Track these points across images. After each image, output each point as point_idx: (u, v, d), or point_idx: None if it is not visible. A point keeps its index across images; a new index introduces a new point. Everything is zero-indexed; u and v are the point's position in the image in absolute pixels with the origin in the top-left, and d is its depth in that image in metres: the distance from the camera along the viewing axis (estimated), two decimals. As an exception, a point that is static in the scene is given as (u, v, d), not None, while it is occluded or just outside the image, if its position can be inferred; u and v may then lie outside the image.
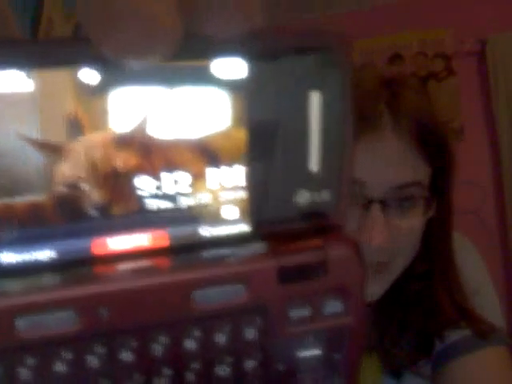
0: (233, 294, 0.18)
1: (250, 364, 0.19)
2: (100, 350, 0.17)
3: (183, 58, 0.16)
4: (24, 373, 0.16)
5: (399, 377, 0.60)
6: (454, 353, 0.58)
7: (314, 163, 0.19)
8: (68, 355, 0.16)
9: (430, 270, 0.59)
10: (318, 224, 0.19)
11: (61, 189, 0.16)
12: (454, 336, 0.58)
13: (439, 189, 0.56)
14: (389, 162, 0.52)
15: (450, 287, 0.59)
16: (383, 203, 0.51)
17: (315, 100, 0.18)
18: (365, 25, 2.36)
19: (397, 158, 0.52)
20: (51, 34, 1.36)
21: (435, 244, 0.59)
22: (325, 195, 0.19)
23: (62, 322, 0.16)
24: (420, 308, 0.59)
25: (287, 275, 0.18)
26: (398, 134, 0.52)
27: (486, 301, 0.63)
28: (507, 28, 2.09)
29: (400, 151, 0.52)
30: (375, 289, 0.55)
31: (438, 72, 2.21)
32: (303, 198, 0.19)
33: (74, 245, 0.17)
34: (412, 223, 0.53)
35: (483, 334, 0.57)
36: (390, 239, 0.51)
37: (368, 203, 0.51)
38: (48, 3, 1.37)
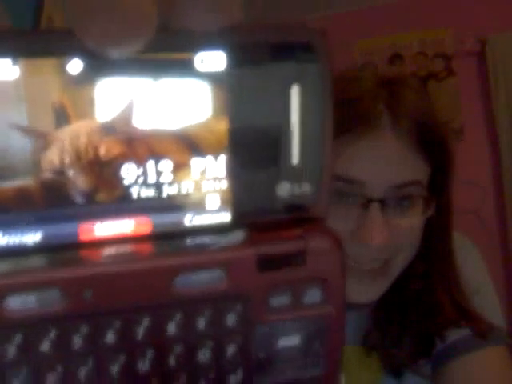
0: (213, 281, 0.18)
1: (230, 350, 0.19)
2: (84, 330, 0.17)
3: (166, 50, 0.17)
4: (12, 350, 0.17)
5: (399, 376, 0.60)
6: (454, 352, 0.58)
7: (294, 155, 0.19)
8: (53, 335, 0.17)
9: (430, 270, 0.59)
10: (299, 216, 0.20)
11: (47, 175, 0.17)
12: (454, 336, 0.58)
13: (439, 188, 0.56)
14: (388, 162, 0.52)
15: (450, 287, 0.59)
16: (382, 203, 0.51)
17: (295, 93, 0.18)
18: (365, 25, 2.36)
19: (396, 157, 0.52)
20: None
21: (435, 244, 0.59)
22: (306, 187, 0.20)
23: (47, 301, 0.17)
24: (420, 308, 0.59)
25: (267, 263, 0.19)
26: (397, 134, 0.51)
27: (486, 301, 0.63)
28: (507, 28, 2.09)
29: (399, 151, 0.52)
30: (375, 290, 0.55)
31: (437, 72, 2.21)
32: (284, 189, 0.19)
33: (60, 229, 0.18)
34: (411, 222, 0.53)
35: (482, 333, 0.57)
36: (390, 238, 0.51)
37: (367, 203, 0.51)
38: (48, 3, 1.38)
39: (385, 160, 0.52)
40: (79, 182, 0.17)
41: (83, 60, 0.16)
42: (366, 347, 0.60)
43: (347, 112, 0.51)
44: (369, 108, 0.52)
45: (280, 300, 0.19)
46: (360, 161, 0.51)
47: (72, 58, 0.16)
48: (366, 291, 0.54)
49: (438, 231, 0.59)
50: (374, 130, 0.51)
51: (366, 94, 0.53)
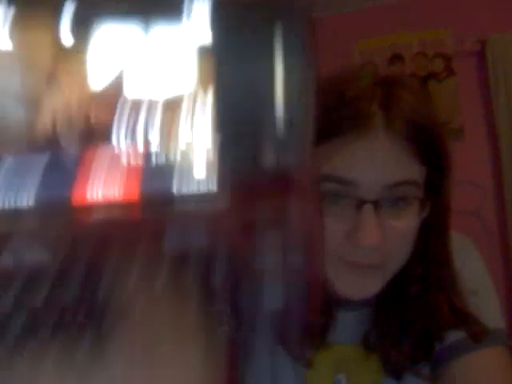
0: (198, 243, 0.19)
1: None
2: (71, 288, 0.18)
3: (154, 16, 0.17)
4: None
5: (400, 378, 0.60)
6: (454, 354, 0.58)
7: (278, 125, 0.20)
8: (42, 290, 0.18)
9: (427, 272, 0.59)
10: (281, 184, 0.20)
11: (41, 141, 0.17)
12: (453, 337, 0.58)
13: (435, 189, 0.56)
14: (381, 162, 0.51)
15: (447, 289, 0.59)
16: (376, 204, 0.51)
17: (278, 65, 0.19)
18: (365, 25, 2.37)
19: (389, 157, 0.51)
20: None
21: (432, 245, 0.58)
22: (288, 156, 0.20)
23: (36, 258, 0.18)
24: (418, 309, 0.59)
25: (250, 227, 0.19)
26: (391, 134, 0.51)
27: (485, 302, 0.62)
28: (507, 28, 2.09)
29: (393, 151, 0.51)
30: (370, 286, 0.55)
31: (438, 72, 2.22)
32: (268, 158, 0.20)
33: (52, 194, 0.18)
34: (406, 223, 0.53)
35: (478, 336, 0.57)
36: (383, 239, 0.51)
37: (361, 204, 0.51)
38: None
39: (378, 161, 0.51)
40: (71, 148, 0.17)
41: (77, 29, 0.16)
42: (366, 348, 0.60)
43: (342, 113, 0.51)
44: (363, 108, 0.52)
45: (261, 263, 0.20)
46: (353, 162, 0.51)
47: (65, 27, 0.16)
48: (361, 288, 0.54)
49: (435, 232, 0.58)
50: (368, 131, 0.51)
51: (361, 94, 0.53)
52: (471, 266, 0.63)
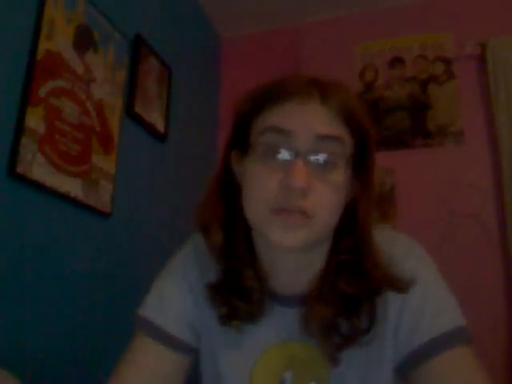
0: None
1: None
2: None
3: None
4: None
5: (338, 363, 0.63)
6: (420, 359, 0.60)
7: None
8: None
9: (357, 243, 0.65)
10: None
11: None
12: (417, 341, 0.61)
13: (361, 165, 0.64)
14: (313, 117, 0.60)
15: (375, 256, 0.64)
16: (307, 157, 0.59)
17: None
18: (366, 28, 2.37)
19: (321, 116, 0.60)
20: (53, 36, 1.37)
21: (359, 219, 0.65)
22: None
23: None
24: (349, 277, 0.63)
25: None
26: (325, 105, 0.61)
27: (441, 302, 0.64)
28: (507, 32, 2.10)
29: (325, 112, 0.61)
30: (298, 234, 0.60)
31: (438, 75, 2.22)
32: None
33: None
34: (333, 184, 0.60)
35: (403, 288, 0.63)
36: (310, 187, 0.58)
37: (295, 155, 0.59)
38: (49, 5, 1.38)
39: (311, 115, 0.61)
40: None
41: None
42: (311, 341, 0.64)
43: (277, 89, 0.62)
44: (301, 85, 0.62)
45: None
46: (290, 116, 0.60)
47: None
48: (290, 234, 0.60)
49: (361, 210, 0.66)
50: (305, 101, 0.61)
51: (300, 79, 0.64)
52: (421, 272, 0.65)
